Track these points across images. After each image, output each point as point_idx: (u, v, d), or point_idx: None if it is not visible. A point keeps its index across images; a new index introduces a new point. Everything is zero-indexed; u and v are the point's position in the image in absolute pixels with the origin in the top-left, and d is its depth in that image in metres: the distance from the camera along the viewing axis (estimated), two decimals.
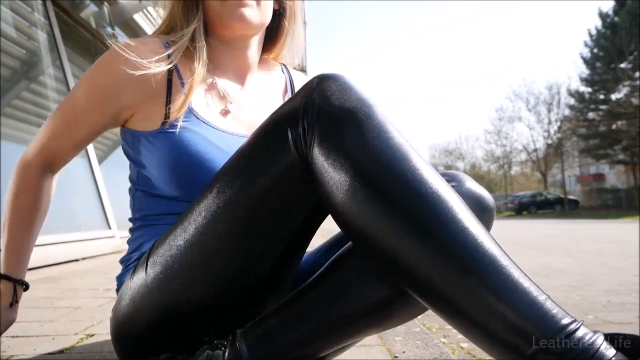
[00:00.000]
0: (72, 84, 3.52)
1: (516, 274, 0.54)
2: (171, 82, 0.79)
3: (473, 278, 0.53)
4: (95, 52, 0.81)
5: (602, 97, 25.78)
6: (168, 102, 0.78)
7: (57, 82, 3.43)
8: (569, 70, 60.75)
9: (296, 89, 0.92)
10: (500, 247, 0.57)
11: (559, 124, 29.13)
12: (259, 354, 0.63)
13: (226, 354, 0.63)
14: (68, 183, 3.40)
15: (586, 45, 26.46)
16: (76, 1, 4.19)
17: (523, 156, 33.85)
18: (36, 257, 2.52)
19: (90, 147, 3.60)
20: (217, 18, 0.83)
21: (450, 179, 0.71)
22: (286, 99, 0.86)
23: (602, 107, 25.48)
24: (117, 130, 0.84)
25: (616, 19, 24.43)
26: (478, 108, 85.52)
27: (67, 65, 3.50)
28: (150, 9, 5.10)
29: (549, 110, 29.61)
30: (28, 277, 0.88)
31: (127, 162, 0.86)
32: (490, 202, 0.73)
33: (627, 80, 22.95)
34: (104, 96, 0.78)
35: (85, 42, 4.04)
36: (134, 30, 5.30)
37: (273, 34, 0.95)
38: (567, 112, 29.00)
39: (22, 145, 2.98)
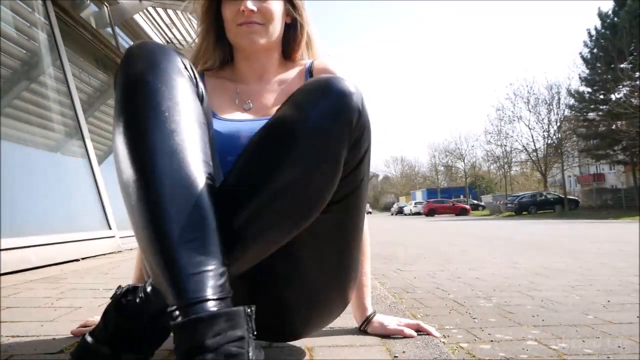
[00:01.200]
0: (72, 84, 3.52)
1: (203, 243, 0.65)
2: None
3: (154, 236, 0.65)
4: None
5: (602, 97, 25.77)
6: None
7: (57, 82, 3.43)
8: (569, 71, 60.82)
9: (314, 75, 1.12)
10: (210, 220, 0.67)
11: (558, 124, 29.11)
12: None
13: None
14: (68, 183, 3.40)
15: (586, 45, 26.47)
16: (76, 1, 4.20)
17: (523, 156, 33.84)
18: (36, 257, 2.52)
19: (90, 147, 3.60)
20: (233, 39, 1.06)
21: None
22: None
23: (602, 107, 25.46)
24: None
25: (616, 19, 24.43)
26: (478, 108, 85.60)
27: (67, 65, 3.50)
28: (150, 9, 5.10)
29: (549, 110, 29.60)
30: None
31: None
32: (336, 86, 0.74)
33: (627, 80, 22.93)
34: None
35: (85, 42, 4.04)
36: (134, 30, 5.30)
37: (291, 42, 1.15)
38: (567, 112, 28.98)
39: (22, 146, 2.98)
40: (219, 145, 0.96)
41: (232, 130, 1.00)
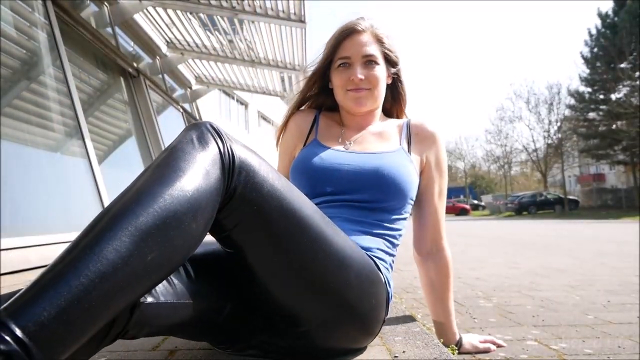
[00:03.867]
0: (72, 84, 3.52)
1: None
2: (312, 129, 1.27)
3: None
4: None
5: (602, 97, 25.75)
6: (307, 138, 1.26)
7: (57, 82, 3.43)
8: (569, 71, 60.81)
9: (412, 132, 1.24)
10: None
11: (559, 124, 29.08)
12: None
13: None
14: (68, 183, 3.40)
15: (586, 45, 26.45)
16: (76, 1, 4.20)
17: (523, 156, 33.80)
18: (36, 257, 2.52)
19: (90, 147, 3.60)
20: (340, 102, 1.24)
21: None
22: (402, 136, 1.22)
23: (602, 107, 25.45)
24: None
25: (616, 19, 24.42)
26: (478, 108, 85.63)
27: (67, 65, 3.50)
28: (150, 8, 5.10)
29: (549, 110, 29.56)
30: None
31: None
32: (196, 123, 0.81)
33: (627, 80, 22.91)
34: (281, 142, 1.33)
35: (85, 42, 4.04)
36: (134, 30, 5.30)
37: (394, 100, 1.33)
38: (567, 112, 28.95)
39: (22, 145, 2.98)
40: (319, 174, 1.12)
41: (332, 157, 1.14)
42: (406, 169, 1.13)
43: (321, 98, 1.31)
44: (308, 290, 0.86)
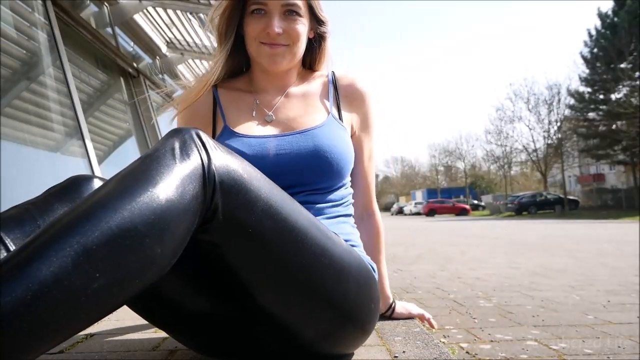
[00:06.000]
0: (72, 84, 3.52)
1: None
2: (215, 111, 1.06)
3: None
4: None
5: (602, 97, 25.77)
6: (214, 125, 1.06)
7: (57, 82, 3.43)
8: (569, 71, 60.79)
9: (340, 93, 1.10)
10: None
11: (559, 124, 29.09)
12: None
13: None
14: None
15: (586, 45, 26.47)
16: (76, 1, 4.20)
17: (523, 156, 33.78)
18: None
19: (90, 147, 3.60)
20: (255, 57, 1.03)
21: None
22: (330, 98, 1.08)
23: (602, 107, 25.47)
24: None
25: (616, 19, 24.44)
26: (478, 108, 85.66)
27: (67, 65, 3.50)
28: (150, 9, 5.10)
29: (549, 111, 29.57)
30: None
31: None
32: (175, 129, 0.71)
33: (627, 80, 22.92)
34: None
35: (85, 42, 4.04)
36: (134, 31, 5.30)
37: (314, 55, 1.13)
38: (567, 112, 28.97)
39: (22, 145, 2.98)
40: None
41: (258, 149, 0.96)
42: (342, 140, 1.01)
43: (232, 58, 1.08)
44: (307, 305, 0.80)
